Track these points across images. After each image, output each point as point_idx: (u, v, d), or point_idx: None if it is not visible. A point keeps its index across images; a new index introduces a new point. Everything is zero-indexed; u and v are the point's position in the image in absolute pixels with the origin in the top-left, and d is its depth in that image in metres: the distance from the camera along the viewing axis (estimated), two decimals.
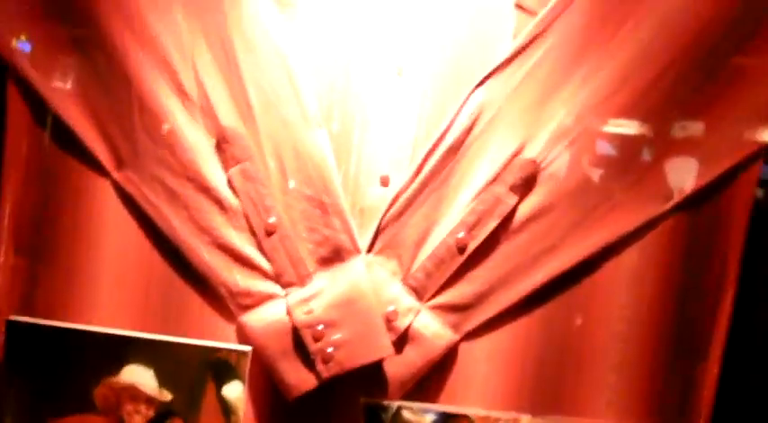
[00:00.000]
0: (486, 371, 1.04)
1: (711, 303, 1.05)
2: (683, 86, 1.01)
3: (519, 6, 1.02)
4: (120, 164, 1.02)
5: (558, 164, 1.02)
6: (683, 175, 1.03)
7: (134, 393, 1.00)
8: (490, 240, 1.01)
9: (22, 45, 1.01)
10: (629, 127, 1.02)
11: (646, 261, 1.04)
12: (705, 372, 1.06)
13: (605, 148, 1.02)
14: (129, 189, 1.02)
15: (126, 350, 1.00)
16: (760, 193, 1.09)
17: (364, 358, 0.99)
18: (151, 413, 1.01)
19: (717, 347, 1.05)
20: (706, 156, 1.03)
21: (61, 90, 1.02)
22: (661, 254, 1.04)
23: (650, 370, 1.05)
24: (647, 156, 1.03)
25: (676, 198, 1.03)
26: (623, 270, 1.04)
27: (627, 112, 1.01)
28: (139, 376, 1.01)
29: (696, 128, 1.03)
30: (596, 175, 1.02)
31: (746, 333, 1.09)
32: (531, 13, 1.02)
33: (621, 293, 1.04)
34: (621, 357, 1.05)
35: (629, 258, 1.04)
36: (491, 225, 1.01)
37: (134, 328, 1.02)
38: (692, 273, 1.05)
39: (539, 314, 1.04)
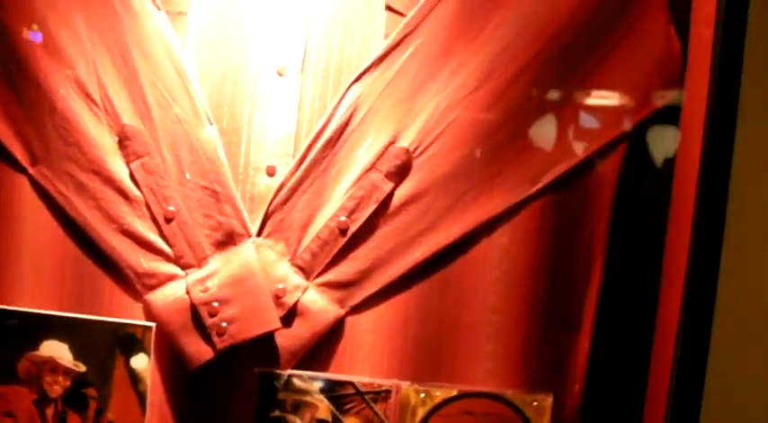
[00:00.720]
0: (370, 342, 1.13)
1: (581, 278, 1.14)
2: (546, 78, 1.10)
3: (389, 8, 1.11)
4: (34, 160, 1.13)
5: (430, 152, 1.10)
6: (549, 161, 1.12)
7: (53, 366, 1.11)
8: (369, 223, 1.11)
9: None
10: (495, 118, 1.11)
11: (516, 240, 1.12)
12: (577, 341, 1.15)
13: (473, 138, 1.11)
14: (44, 183, 1.12)
15: (44, 327, 1.11)
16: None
17: (254, 331, 1.09)
18: (68, 383, 1.12)
19: (588, 318, 1.15)
20: (569, 142, 1.12)
21: None
22: (530, 233, 1.13)
23: (524, 340, 1.14)
24: (513, 144, 1.11)
25: (542, 182, 1.11)
26: (494, 248, 1.12)
27: (492, 105, 1.10)
28: (57, 350, 1.11)
29: (559, 117, 1.12)
30: (466, 162, 1.11)
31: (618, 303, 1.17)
32: (400, 14, 1.11)
33: (493, 270, 1.13)
34: (496, 328, 1.13)
35: (500, 237, 1.12)
36: (369, 209, 1.10)
37: (51, 308, 1.12)
38: (560, 250, 1.13)
39: (417, 290, 1.12)
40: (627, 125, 1.12)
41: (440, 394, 1.12)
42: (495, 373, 1.14)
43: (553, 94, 1.11)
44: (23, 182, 1.13)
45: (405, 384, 1.13)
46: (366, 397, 1.12)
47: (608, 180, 1.13)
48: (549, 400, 1.13)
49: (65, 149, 1.12)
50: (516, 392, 1.13)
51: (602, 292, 1.15)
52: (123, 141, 1.11)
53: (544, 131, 1.12)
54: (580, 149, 1.12)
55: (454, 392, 1.13)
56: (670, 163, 1.14)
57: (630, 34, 1.10)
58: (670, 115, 1.13)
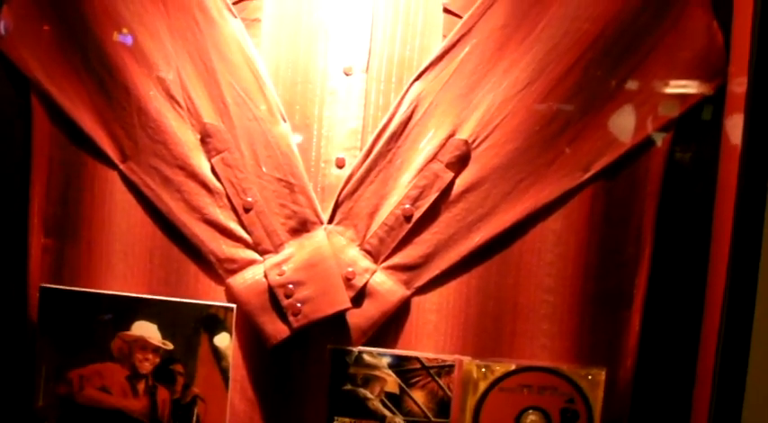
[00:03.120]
0: (434, 320, 1.23)
1: (631, 260, 1.22)
2: (594, 73, 1.19)
3: (446, 10, 1.21)
4: (124, 157, 1.25)
5: (488, 143, 1.20)
6: (599, 151, 1.20)
7: (143, 344, 1.24)
8: (432, 210, 1.21)
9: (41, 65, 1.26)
10: (548, 110, 1.20)
11: (568, 225, 1.22)
12: (629, 319, 1.23)
13: (527, 130, 1.20)
14: (133, 178, 1.25)
15: (136, 309, 1.24)
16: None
17: (327, 310, 1.20)
18: (157, 360, 1.24)
19: (638, 298, 1.23)
20: (617, 133, 1.20)
21: (74, 99, 1.25)
22: (582, 218, 1.22)
23: (578, 318, 1.23)
24: (564, 135, 1.20)
25: (593, 170, 1.20)
26: (549, 233, 1.22)
27: (544, 98, 1.19)
28: (147, 330, 1.24)
29: (607, 109, 1.20)
30: (521, 152, 1.20)
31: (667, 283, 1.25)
32: (456, 15, 1.21)
33: (548, 253, 1.22)
34: (551, 308, 1.23)
35: (554, 223, 1.22)
36: (432, 197, 1.20)
37: (141, 291, 1.25)
38: (611, 234, 1.22)
39: (477, 272, 1.23)
40: (672, 116, 1.20)
41: (499, 369, 1.22)
42: (551, 350, 1.23)
43: (601, 88, 1.20)
44: (115, 177, 1.25)
45: (467, 359, 1.22)
46: (431, 371, 1.22)
47: (655, 168, 1.21)
48: (602, 374, 1.22)
49: (152, 147, 1.24)
50: (571, 367, 1.22)
51: (652, 272, 1.23)
52: (205, 138, 1.23)
53: (593, 123, 1.20)
54: (627, 140, 1.20)
55: (513, 367, 1.22)
56: (715, 152, 1.22)
57: (674, 29, 1.18)
58: (714, 107, 1.21)
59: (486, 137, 1.20)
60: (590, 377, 1.22)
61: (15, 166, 1.28)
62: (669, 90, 1.21)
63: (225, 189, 1.22)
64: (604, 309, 1.23)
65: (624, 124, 1.21)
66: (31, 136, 1.27)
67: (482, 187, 1.21)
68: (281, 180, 1.21)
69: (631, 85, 1.20)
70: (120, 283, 1.26)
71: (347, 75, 1.21)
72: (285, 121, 1.21)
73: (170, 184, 1.23)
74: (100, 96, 1.24)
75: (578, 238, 1.22)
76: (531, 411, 1.23)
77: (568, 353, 1.24)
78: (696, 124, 1.22)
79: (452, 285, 1.23)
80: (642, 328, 1.24)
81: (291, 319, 1.20)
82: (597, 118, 1.20)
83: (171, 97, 1.23)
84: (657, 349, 1.26)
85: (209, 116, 1.22)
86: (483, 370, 1.22)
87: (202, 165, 1.23)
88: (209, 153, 1.22)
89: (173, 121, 1.23)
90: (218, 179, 1.23)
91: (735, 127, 1.15)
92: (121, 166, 1.25)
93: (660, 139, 1.21)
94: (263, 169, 1.21)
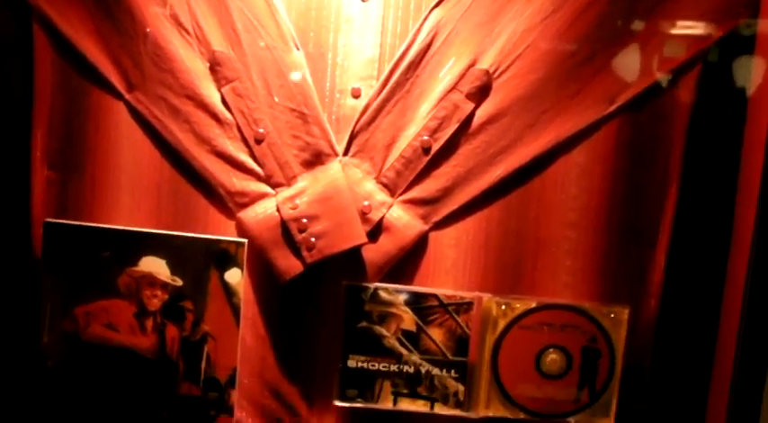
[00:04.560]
0: (453, 256, 1.22)
1: (657, 196, 1.21)
2: (620, 1, 1.16)
3: None
4: (130, 87, 1.22)
5: (510, 74, 1.18)
6: (624, 83, 1.18)
7: (151, 280, 1.22)
8: (451, 142, 1.19)
9: None
10: (572, 40, 1.17)
11: (593, 158, 1.20)
12: (653, 256, 1.22)
13: (551, 60, 1.18)
14: (140, 108, 1.21)
15: (143, 244, 1.21)
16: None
17: (342, 245, 1.18)
18: (166, 297, 1.22)
19: (664, 235, 1.22)
20: (644, 64, 1.18)
21: (78, 26, 1.21)
22: (607, 151, 1.20)
23: (601, 255, 1.22)
24: (589, 66, 1.18)
25: (618, 102, 1.19)
26: (572, 166, 1.21)
27: (568, 27, 1.17)
28: (155, 266, 1.22)
29: (634, 39, 1.18)
30: (544, 83, 1.18)
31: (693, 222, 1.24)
32: None
33: (571, 187, 1.21)
34: (574, 243, 1.22)
35: (578, 156, 1.20)
36: (451, 129, 1.18)
37: (149, 226, 1.23)
38: (637, 169, 1.21)
39: (498, 206, 1.21)
40: (700, 48, 1.18)
41: (520, 306, 1.21)
42: (574, 287, 1.22)
43: (628, 18, 1.17)
44: (121, 108, 1.22)
45: (486, 296, 1.21)
46: (449, 309, 1.21)
47: (683, 102, 1.19)
48: (625, 313, 1.21)
49: (159, 76, 1.20)
50: (594, 305, 1.21)
51: (678, 209, 1.22)
52: (214, 67, 1.19)
53: (619, 54, 1.18)
54: (654, 71, 1.18)
55: (533, 304, 1.21)
56: (744, 87, 1.20)
57: None
58: (745, 41, 1.19)
59: (508, 67, 1.18)
60: (612, 316, 1.21)
61: (17, 97, 1.25)
62: (698, 22, 1.18)
63: (235, 120, 1.20)
64: (629, 245, 1.22)
65: (651, 56, 1.18)
66: (32, 65, 1.23)
67: (503, 119, 1.19)
68: (293, 110, 1.19)
69: (660, 14, 1.18)
70: (126, 218, 1.24)
71: (363, 0, 1.18)
72: (298, 49, 1.19)
73: (178, 114, 1.21)
74: (104, 23, 1.21)
75: (603, 171, 1.21)
76: (551, 350, 1.22)
77: (591, 290, 1.23)
78: (726, 59, 1.20)
79: (472, 220, 1.22)
80: (667, 266, 1.23)
81: (305, 254, 1.19)
82: (623, 49, 1.18)
83: (179, 24, 1.19)
84: (682, 289, 1.25)
85: (218, 44, 1.19)
86: (503, 307, 1.21)
87: (212, 94, 1.20)
88: (219, 82, 1.20)
89: (181, 49, 1.20)
90: (229, 109, 1.20)
91: (766, 62, 1.15)
92: (127, 96, 1.22)
93: (689, 72, 1.19)
94: (276, 99, 1.19)
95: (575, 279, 1.22)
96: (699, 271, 1.25)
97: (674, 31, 1.18)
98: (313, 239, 1.18)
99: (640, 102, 1.19)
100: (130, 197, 1.24)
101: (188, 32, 1.19)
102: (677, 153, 1.20)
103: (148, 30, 1.19)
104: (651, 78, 1.19)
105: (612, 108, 1.19)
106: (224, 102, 1.20)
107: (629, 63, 1.18)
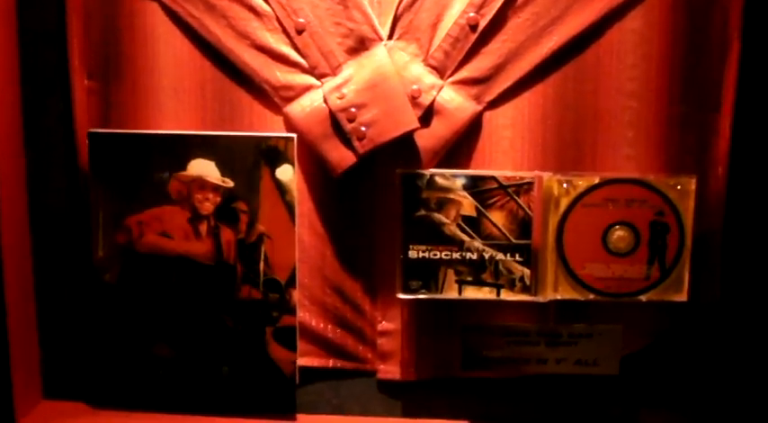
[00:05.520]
0: (510, 136, 1.19)
1: (718, 58, 1.17)
2: None
3: None
4: None
5: None
6: None
7: (202, 183, 1.20)
8: (499, 17, 1.15)
9: None
10: None
11: (648, 22, 1.16)
12: (717, 122, 1.18)
13: None
14: (174, 7, 1.19)
15: (190, 147, 1.19)
16: None
17: (393, 132, 1.15)
18: (218, 199, 1.20)
19: (728, 98, 1.17)
20: None
21: None
22: (663, 15, 1.16)
23: (663, 124, 1.18)
24: None
25: None
26: (628, 33, 1.16)
27: None
28: (204, 168, 1.20)
29: None
30: None
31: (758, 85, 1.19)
32: None
33: (628, 54, 1.17)
34: (635, 114, 1.18)
35: (633, 21, 1.16)
36: (498, 2, 1.14)
37: (195, 128, 1.21)
38: (695, 30, 1.16)
39: (553, 80, 1.18)
40: None
41: (582, 183, 1.17)
42: (637, 159, 1.19)
43: None
44: (155, 8, 1.19)
45: (546, 175, 1.18)
46: (509, 190, 1.18)
47: None
48: (692, 183, 1.17)
49: None
50: (659, 177, 1.17)
51: (742, 70, 1.17)
52: None
53: None
54: None
55: (596, 180, 1.17)
56: None
57: None
58: None
59: None
60: (679, 187, 1.18)
61: (50, 5, 1.22)
62: None
63: (274, 11, 1.17)
64: (691, 112, 1.18)
65: None
66: None
67: None
68: None
69: None
70: (171, 122, 1.22)
71: None
72: None
73: (214, 10, 1.18)
74: None
75: (661, 35, 1.16)
76: (618, 227, 1.18)
77: (655, 162, 1.20)
78: None
79: (526, 97, 1.19)
80: (733, 133, 1.19)
81: (356, 144, 1.16)
82: None
83: None
84: (751, 156, 1.21)
85: None
86: (564, 185, 1.18)
87: None
88: None
89: None
90: (266, 1, 1.17)
91: None
92: None
93: None
94: None
95: (637, 151, 1.19)
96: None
97: None
98: (363, 128, 1.15)
99: None
100: (174, 100, 1.22)
101: None
102: (736, 12, 1.15)
103: None
104: None
105: None
106: None
107: None
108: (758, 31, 1.17)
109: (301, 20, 1.16)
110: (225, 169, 1.20)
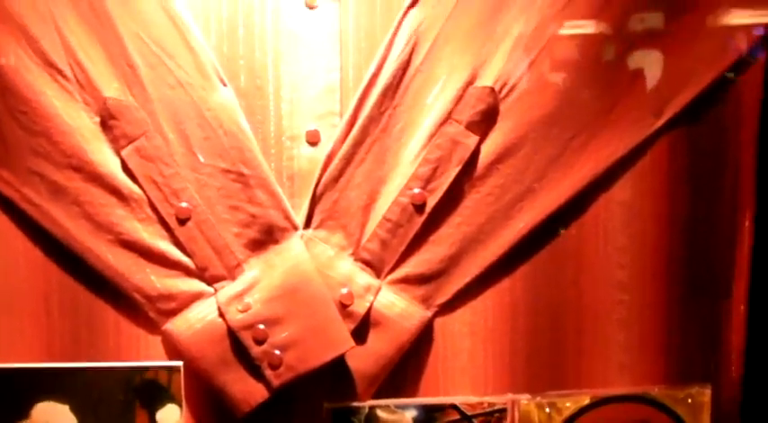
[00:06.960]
0: (469, 348, 1.04)
1: (727, 232, 1.05)
2: None
3: None
4: None
5: (521, 90, 0.99)
6: (673, 87, 1.02)
7: None
8: (453, 192, 0.99)
9: None
10: (601, 36, 0.99)
11: (642, 193, 1.04)
12: (729, 311, 1.06)
13: (574, 65, 0.99)
14: (5, 191, 0.97)
15: (34, 386, 0.97)
16: None
17: (320, 357, 0.96)
18: None
19: (740, 282, 1.06)
20: (696, 62, 1.01)
21: None
22: (660, 182, 1.04)
23: (664, 320, 1.07)
24: (625, 69, 1.00)
25: (668, 114, 1.01)
26: (617, 207, 1.04)
27: (595, 16, 0.98)
28: (54, 415, 0.97)
29: (686, 25, 1.00)
30: (568, 98, 0.99)
31: None
32: None
33: (618, 235, 1.04)
34: (627, 311, 1.05)
35: (622, 192, 1.04)
36: (451, 174, 0.98)
37: (39, 359, 1.00)
38: (699, 200, 1.05)
39: (523, 273, 1.04)
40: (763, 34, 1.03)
41: (569, 405, 1.04)
42: (632, 369, 1.06)
43: (671, 5, 1.00)
44: None
45: (523, 398, 1.03)
46: (475, 421, 1.00)
47: (749, 104, 1.04)
48: (706, 394, 1.05)
49: (28, 142, 0.95)
50: (663, 389, 1.04)
51: (756, 248, 1.06)
52: (107, 122, 0.96)
53: (666, 48, 1.00)
54: (709, 69, 1.02)
55: (586, 400, 1.04)
56: None
57: None
58: None
59: (519, 80, 0.99)
60: (690, 400, 1.05)
61: None
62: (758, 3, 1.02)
63: (146, 193, 0.96)
64: (697, 301, 1.06)
65: (703, 50, 1.01)
66: None
67: (519, 153, 1.00)
68: (227, 171, 0.96)
69: None
70: (6, 353, 0.99)
71: (311, 7, 0.97)
72: (225, 84, 0.96)
73: (63, 194, 0.96)
74: None
75: (655, 210, 1.04)
76: None
77: (656, 370, 1.06)
78: None
79: (490, 296, 1.03)
80: (748, 323, 1.08)
81: (269, 373, 0.96)
82: (671, 40, 0.99)
83: (48, 64, 0.94)
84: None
85: (110, 88, 0.95)
86: (547, 410, 1.03)
87: (108, 161, 0.96)
88: (117, 143, 0.95)
89: (56, 101, 0.95)
90: (134, 180, 0.96)
91: None
92: None
93: (750, 67, 1.03)
94: (200, 158, 0.96)
95: (632, 358, 1.06)
96: None
97: (731, 18, 1.02)
98: (278, 352, 0.95)
99: (695, 110, 1.02)
100: (8, 322, 1.00)
101: (63, 75, 0.95)
102: (748, 173, 1.05)
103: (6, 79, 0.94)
104: (706, 78, 1.02)
105: (661, 122, 1.01)
106: (126, 169, 0.96)
107: (679, 59, 1.00)
108: None
109: (184, 204, 0.95)
110: (84, 415, 0.96)
